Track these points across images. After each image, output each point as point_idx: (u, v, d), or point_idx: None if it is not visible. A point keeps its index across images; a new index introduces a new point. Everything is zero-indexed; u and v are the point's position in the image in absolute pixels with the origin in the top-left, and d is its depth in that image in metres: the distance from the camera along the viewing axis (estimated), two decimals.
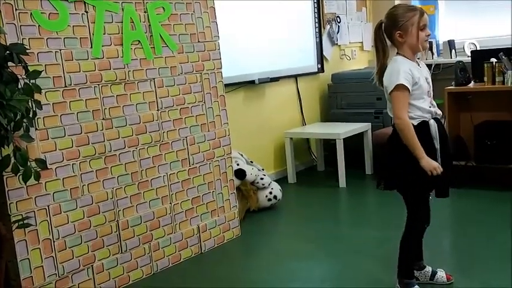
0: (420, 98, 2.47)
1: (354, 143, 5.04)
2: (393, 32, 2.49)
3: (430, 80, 2.55)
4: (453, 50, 5.88)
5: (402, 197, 2.59)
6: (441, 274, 2.78)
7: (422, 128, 2.47)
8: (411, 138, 2.41)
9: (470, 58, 4.59)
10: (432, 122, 2.49)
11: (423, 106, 2.48)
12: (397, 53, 2.53)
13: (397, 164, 2.53)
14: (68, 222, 2.81)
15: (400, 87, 2.41)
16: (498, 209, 3.87)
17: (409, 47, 2.48)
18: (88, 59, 2.88)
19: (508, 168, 4.24)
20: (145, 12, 3.14)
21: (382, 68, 2.56)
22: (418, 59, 2.61)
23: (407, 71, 2.43)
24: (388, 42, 2.55)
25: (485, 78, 4.29)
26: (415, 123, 2.46)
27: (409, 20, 2.45)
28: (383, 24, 2.55)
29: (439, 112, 2.57)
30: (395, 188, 2.58)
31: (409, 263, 2.66)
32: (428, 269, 2.80)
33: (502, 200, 4.04)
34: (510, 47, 4.35)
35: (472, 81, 4.44)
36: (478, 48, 5.64)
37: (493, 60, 4.25)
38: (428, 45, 2.55)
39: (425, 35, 2.48)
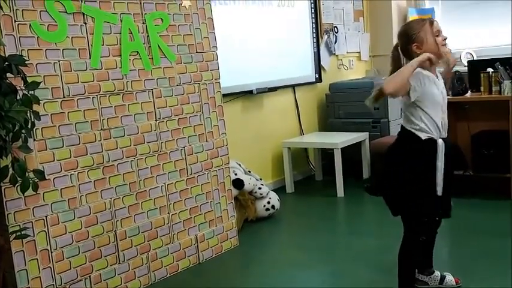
0: (433, 109, 2.48)
1: (351, 153, 5.04)
2: (410, 46, 2.50)
3: (445, 95, 2.56)
4: None
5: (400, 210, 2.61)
6: (450, 278, 2.84)
7: (429, 146, 2.48)
8: (399, 76, 2.36)
9: (467, 68, 4.62)
10: (440, 142, 2.49)
11: (435, 118, 2.48)
12: None
13: (395, 180, 2.54)
14: (66, 233, 2.81)
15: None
16: (496, 218, 3.89)
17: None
18: (87, 69, 2.90)
19: (505, 177, 4.25)
20: (143, 23, 3.16)
21: None
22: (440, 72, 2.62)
23: (420, 78, 2.42)
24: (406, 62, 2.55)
25: (482, 88, 4.32)
26: (423, 138, 2.47)
27: (420, 30, 2.48)
28: (399, 46, 2.57)
29: (446, 130, 2.56)
30: (377, 194, 2.60)
31: (410, 277, 2.65)
32: (437, 273, 2.85)
33: (499, 208, 4.05)
34: (506, 57, 4.37)
35: (469, 91, 4.46)
36: (475, 58, 5.67)
37: (490, 70, 4.28)
38: (449, 49, 2.55)
39: (442, 40, 2.50)
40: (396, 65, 2.55)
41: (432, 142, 2.48)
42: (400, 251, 2.62)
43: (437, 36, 2.49)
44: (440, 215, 2.64)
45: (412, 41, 2.48)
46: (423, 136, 2.48)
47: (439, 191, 2.48)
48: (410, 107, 2.49)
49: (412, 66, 2.37)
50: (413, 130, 2.50)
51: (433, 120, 2.47)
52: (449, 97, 4.36)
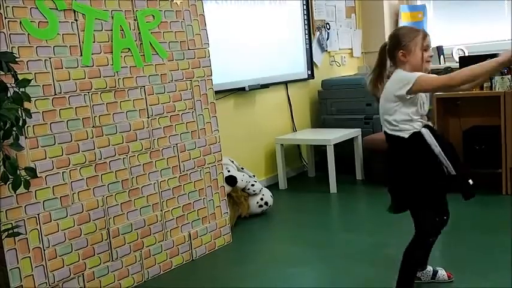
0: (414, 111, 2.48)
1: (344, 149, 5.06)
2: (396, 51, 2.50)
3: (426, 98, 2.57)
4: (442, 56, 5.94)
5: (411, 213, 2.60)
6: (442, 273, 2.86)
7: (415, 139, 2.48)
8: (473, 70, 2.36)
9: (458, 64, 4.63)
10: (424, 130, 2.49)
11: (414, 117, 2.48)
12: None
13: (402, 180, 2.54)
14: (59, 231, 2.81)
15: (421, 76, 2.43)
16: (487, 213, 3.91)
17: (411, 67, 2.49)
18: (78, 67, 2.88)
19: (496, 173, 4.27)
20: (135, 20, 3.15)
21: (379, 76, 2.59)
22: None
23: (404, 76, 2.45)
24: (389, 64, 2.57)
25: None
26: (406, 136, 2.47)
27: (412, 40, 2.48)
28: (387, 46, 2.57)
29: (426, 117, 2.58)
30: (405, 210, 2.59)
31: (412, 275, 2.65)
32: (430, 268, 2.86)
33: (491, 203, 4.08)
34: (497, 53, 4.39)
35: None
36: (466, 54, 5.70)
37: None
38: (430, 67, 2.56)
39: (428, 56, 2.51)
40: (379, 63, 2.59)
41: (416, 135, 2.48)
42: (408, 250, 2.61)
43: (425, 50, 2.50)
44: (448, 213, 2.65)
45: (400, 47, 2.49)
46: (406, 134, 2.48)
47: (452, 170, 2.44)
48: (390, 109, 2.50)
49: (493, 65, 2.35)
50: (395, 133, 2.51)
51: (414, 118, 2.47)
52: (441, 93, 4.44)
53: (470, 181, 2.54)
